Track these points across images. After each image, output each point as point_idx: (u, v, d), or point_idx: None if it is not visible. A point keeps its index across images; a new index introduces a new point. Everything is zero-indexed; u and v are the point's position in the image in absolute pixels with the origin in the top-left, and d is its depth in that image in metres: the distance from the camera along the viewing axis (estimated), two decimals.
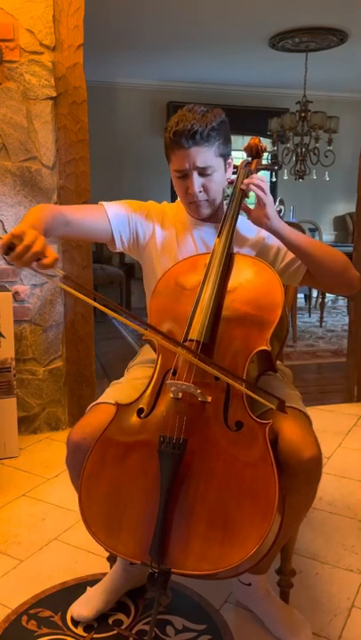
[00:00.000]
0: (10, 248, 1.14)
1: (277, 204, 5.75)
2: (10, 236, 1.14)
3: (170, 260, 1.54)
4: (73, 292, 1.22)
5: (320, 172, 5.70)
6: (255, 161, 1.59)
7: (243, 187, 1.46)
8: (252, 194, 1.46)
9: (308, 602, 1.60)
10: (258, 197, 1.40)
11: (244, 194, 1.50)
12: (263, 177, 1.46)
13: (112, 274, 5.74)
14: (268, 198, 1.41)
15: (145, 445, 1.24)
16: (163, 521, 1.13)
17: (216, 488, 1.16)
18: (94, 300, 1.23)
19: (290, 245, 1.46)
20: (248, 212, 1.45)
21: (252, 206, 1.44)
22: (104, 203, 1.56)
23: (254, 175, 1.47)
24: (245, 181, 1.45)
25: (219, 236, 1.45)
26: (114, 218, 1.53)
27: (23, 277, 2.63)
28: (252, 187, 1.41)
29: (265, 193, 1.40)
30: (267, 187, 1.42)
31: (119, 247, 1.57)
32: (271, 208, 1.41)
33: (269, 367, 1.41)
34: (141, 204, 1.61)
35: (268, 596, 1.50)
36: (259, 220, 1.42)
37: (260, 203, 1.40)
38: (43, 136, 2.55)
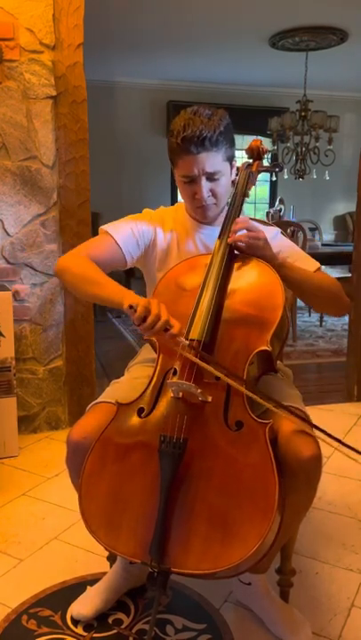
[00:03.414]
0: (143, 320, 1.22)
1: (277, 203, 5.74)
2: (143, 309, 1.21)
3: (171, 263, 1.54)
4: (200, 362, 1.24)
5: (320, 171, 5.69)
6: (256, 163, 1.58)
7: (230, 241, 1.40)
8: (251, 192, 1.46)
9: (308, 601, 1.60)
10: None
11: (245, 194, 1.50)
12: (246, 231, 1.40)
13: (112, 273, 5.71)
14: (259, 242, 1.39)
15: (145, 445, 1.24)
16: (163, 520, 1.13)
17: (216, 487, 1.16)
18: (225, 374, 1.23)
19: (285, 281, 1.41)
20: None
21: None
22: (107, 228, 1.53)
23: (237, 235, 1.40)
24: (229, 241, 1.40)
25: (220, 237, 1.44)
26: (123, 243, 1.52)
27: (23, 277, 2.63)
28: (240, 245, 1.40)
29: (255, 238, 1.38)
30: (254, 232, 1.39)
31: (129, 265, 1.59)
32: (262, 250, 1.39)
33: (270, 368, 1.41)
34: (138, 215, 1.59)
35: (268, 596, 1.50)
36: None
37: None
38: (43, 135, 2.55)
